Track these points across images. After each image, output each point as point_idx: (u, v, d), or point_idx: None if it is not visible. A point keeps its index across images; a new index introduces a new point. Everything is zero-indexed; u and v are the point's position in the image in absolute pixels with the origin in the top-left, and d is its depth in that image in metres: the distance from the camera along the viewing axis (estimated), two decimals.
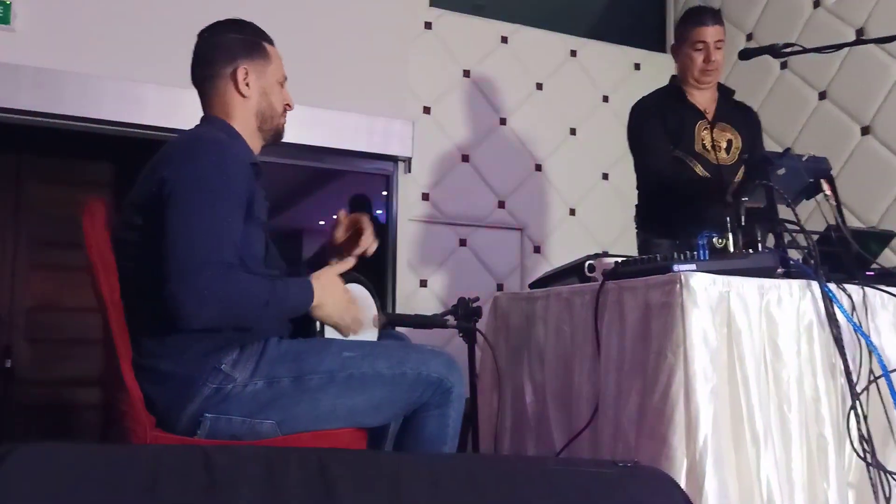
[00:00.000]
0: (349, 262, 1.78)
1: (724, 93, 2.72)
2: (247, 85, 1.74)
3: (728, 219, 1.78)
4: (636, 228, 2.77)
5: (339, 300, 1.66)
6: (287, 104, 1.83)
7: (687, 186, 2.54)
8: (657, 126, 2.61)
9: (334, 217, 1.91)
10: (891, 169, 3.25)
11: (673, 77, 2.74)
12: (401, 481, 1.02)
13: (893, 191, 3.23)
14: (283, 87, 1.83)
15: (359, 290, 1.82)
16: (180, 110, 3.15)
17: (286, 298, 1.56)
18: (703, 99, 2.66)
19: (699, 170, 2.55)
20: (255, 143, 1.78)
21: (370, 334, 1.81)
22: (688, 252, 1.68)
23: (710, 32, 2.57)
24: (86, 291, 1.61)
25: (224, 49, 1.75)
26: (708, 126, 2.61)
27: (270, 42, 1.82)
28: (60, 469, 0.92)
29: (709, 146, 2.58)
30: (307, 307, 1.61)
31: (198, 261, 1.45)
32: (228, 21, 1.80)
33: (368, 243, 1.83)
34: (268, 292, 1.51)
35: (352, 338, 1.72)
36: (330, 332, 1.72)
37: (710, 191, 2.40)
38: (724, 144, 2.59)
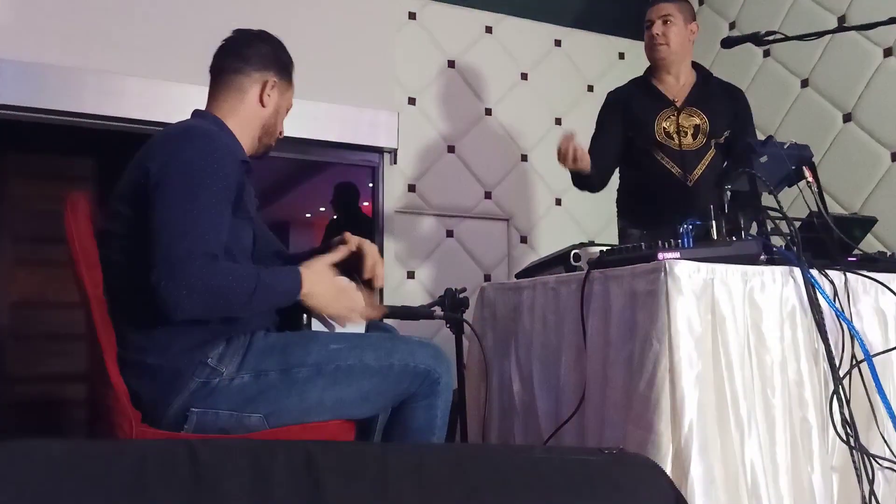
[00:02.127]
0: (340, 252, 1.79)
1: (703, 76, 2.75)
2: (268, 96, 1.80)
3: (711, 206, 1.80)
4: (617, 215, 2.83)
5: (329, 289, 1.67)
6: (281, 131, 1.89)
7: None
8: (609, 119, 2.74)
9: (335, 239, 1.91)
10: (873, 155, 3.27)
11: (648, 67, 2.79)
12: (388, 471, 1.02)
13: (876, 177, 3.26)
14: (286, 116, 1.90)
15: (345, 283, 1.82)
16: (162, 103, 3.14)
17: (273, 287, 1.56)
18: (675, 85, 2.70)
19: (660, 156, 2.61)
20: (248, 147, 1.80)
21: (357, 327, 1.82)
22: (672, 240, 1.69)
23: (656, 9, 2.68)
24: (71, 287, 1.60)
25: (263, 56, 1.81)
26: (674, 113, 2.64)
27: (293, 72, 1.90)
28: (46, 465, 0.91)
29: (672, 132, 2.62)
30: (295, 296, 1.61)
31: (183, 251, 1.44)
32: (273, 37, 1.87)
33: (379, 280, 1.84)
34: (254, 281, 1.51)
35: (339, 330, 1.72)
36: (317, 326, 1.72)
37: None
38: (689, 130, 2.63)
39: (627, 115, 2.70)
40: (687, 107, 2.66)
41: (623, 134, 2.70)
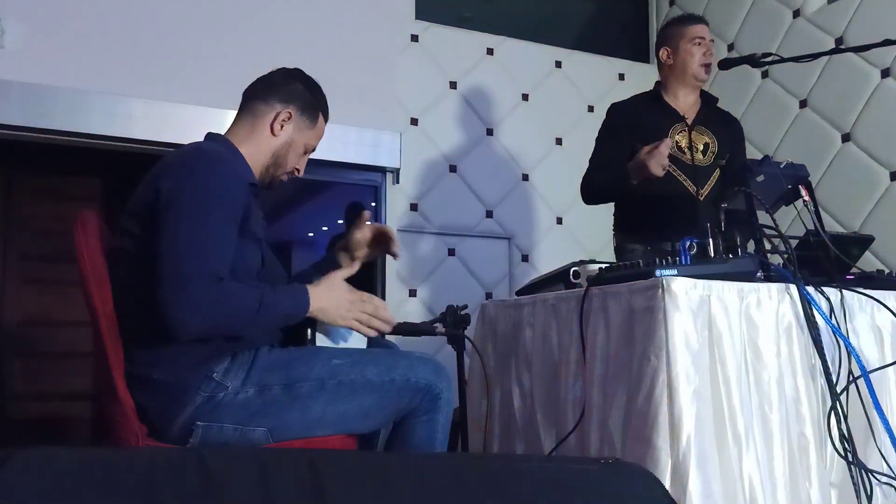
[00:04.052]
0: (354, 267, 1.83)
1: (707, 100, 2.77)
2: (281, 127, 1.81)
3: (708, 224, 1.82)
4: (613, 230, 2.81)
5: (341, 301, 1.68)
6: (297, 168, 1.90)
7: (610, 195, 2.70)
8: (617, 130, 2.69)
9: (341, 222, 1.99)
10: (871, 175, 3.30)
11: (657, 83, 2.80)
12: (390, 479, 1.04)
13: (874, 196, 3.29)
14: (305, 155, 1.91)
15: (359, 293, 1.84)
16: (168, 125, 3.18)
17: (277, 306, 1.58)
18: (686, 103, 2.71)
19: (673, 169, 2.60)
20: (257, 175, 1.82)
21: (360, 342, 1.84)
22: (669, 257, 1.72)
23: (706, 30, 2.69)
24: (75, 305, 1.62)
25: (290, 90, 1.84)
26: (686, 128, 2.66)
27: (326, 118, 1.92)
28: (58, 472, 0.94)
29: (685, 147, 2.63)
30: (302, 314, 1.63)
31: (189, 270, 1.47)
32: (310, 78, 1.90)
33: (397, 248, 1.98)
34: (258, 301, 1.54)
35: (342, 345, 1.75)
36: (321, 341, 1.75)
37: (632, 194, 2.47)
38: (700, 147, 2.64)
39: (636, 126, 2.66)
40: (697, 125, 2.68)
41: (631, 145, 2.62)
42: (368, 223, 2.01)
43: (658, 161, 2.32)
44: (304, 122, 1.85)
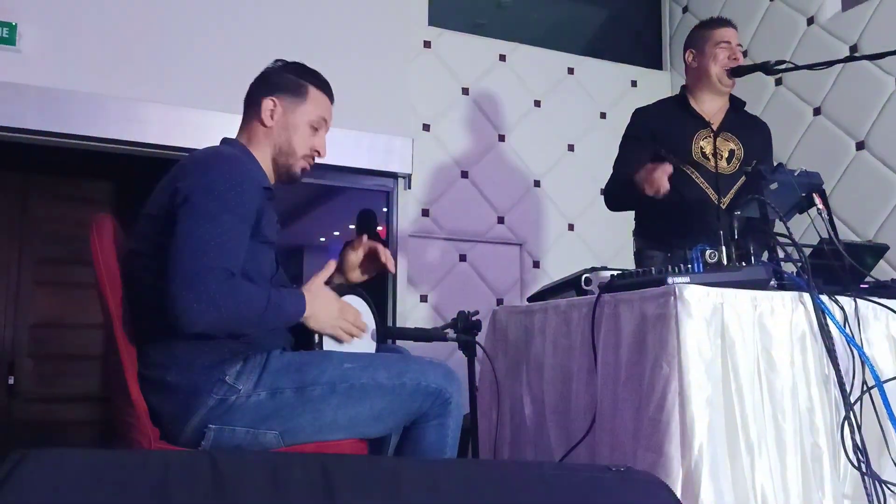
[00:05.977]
0: (330, 268, 1.81)
1: (735, 104, 2.73)
2: (271, 116, 1.80)
3: (721, 232, 1.81)
4: (633, 235, 2.80)
5: (329, 308, 1.70)
6: (316, 150, 1.86)
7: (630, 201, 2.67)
8: (640, 135, 2.67)
9: (345, 243, 1.98)
10: (886, 183, 3.28)
11: (683, 87, 2.76)
12: (401, 485, 1.04)
13: (889, 205, 3.27)
14: (317, 132, 1.86)
15: (357, 303, 1.85)
16: (183, 129, 3.21)
17: (282, 308, 1.60)
18: (712, 108, 2.67)
19: (695, 176, 2.58)
20: (270, 171, 1.83)
21: (369, 347, 1.84)
22: (682, 265, 1.71)
23: (733, 34, 2.64)
24: (88, 308, 1.64)
25: (269, 81, 1.84)
26: (711, 134, 2.62)
27: (321, 87, 1.87)
28: (73, 474, 0.95)
29: (709, 154, 2.59)
30: (299, 317, 1.65)
31: (202, 267, 1.48)
32: (291, 63, 1.88)
33: (391, 265, 1.95)
34: (265, 301, 1.55)
35: (349, 349, 1.75)
36: (329, 345, 1.75)
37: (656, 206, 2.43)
38: (725, 154, 2.61)
39: (660, 131, 2.64)
40: (723, 131, 2.64)
41: (654, 151, 2.60)
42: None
43: (654, 187, 2.31)
44: (293, 101, 1.83)
